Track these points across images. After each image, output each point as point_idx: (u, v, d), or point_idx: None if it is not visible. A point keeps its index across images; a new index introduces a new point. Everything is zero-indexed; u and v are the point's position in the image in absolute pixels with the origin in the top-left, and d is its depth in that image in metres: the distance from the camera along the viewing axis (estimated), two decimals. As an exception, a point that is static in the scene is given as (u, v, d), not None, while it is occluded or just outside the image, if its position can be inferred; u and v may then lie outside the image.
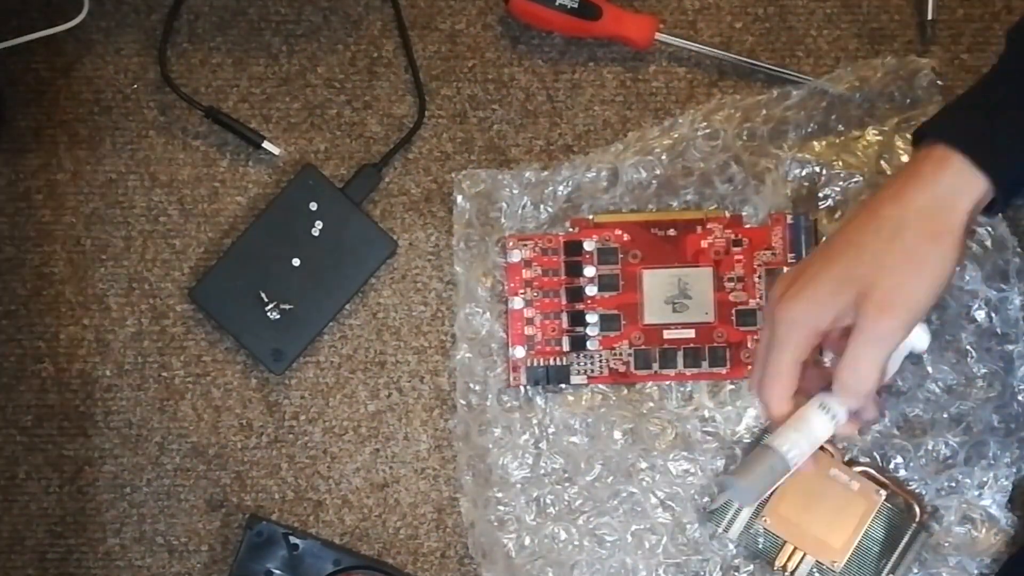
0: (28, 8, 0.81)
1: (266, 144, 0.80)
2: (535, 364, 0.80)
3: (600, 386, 0.80)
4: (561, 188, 0.81)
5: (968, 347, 0.79)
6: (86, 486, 0.80)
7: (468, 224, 0.80)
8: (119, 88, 0.82)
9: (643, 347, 0.80)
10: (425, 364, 0.81)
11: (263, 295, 0.79)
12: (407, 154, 0.82)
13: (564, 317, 0.80)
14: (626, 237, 0.80)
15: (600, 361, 0.80)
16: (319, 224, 0.80)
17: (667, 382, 0.80)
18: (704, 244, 0.80)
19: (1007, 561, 0.77)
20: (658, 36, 0.81)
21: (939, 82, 0.80)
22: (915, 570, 0.78)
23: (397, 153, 0.81)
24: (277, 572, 0.78)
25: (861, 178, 0.80)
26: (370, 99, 0.82)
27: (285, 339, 0.79)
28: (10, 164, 0.81)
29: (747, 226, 0.80)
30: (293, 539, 0.78)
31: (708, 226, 0.80)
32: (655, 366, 0.80)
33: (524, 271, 0.80)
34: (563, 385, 0.80)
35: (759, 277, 0.80)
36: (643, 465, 0.79)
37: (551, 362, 0.80)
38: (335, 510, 0.80)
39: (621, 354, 0.80)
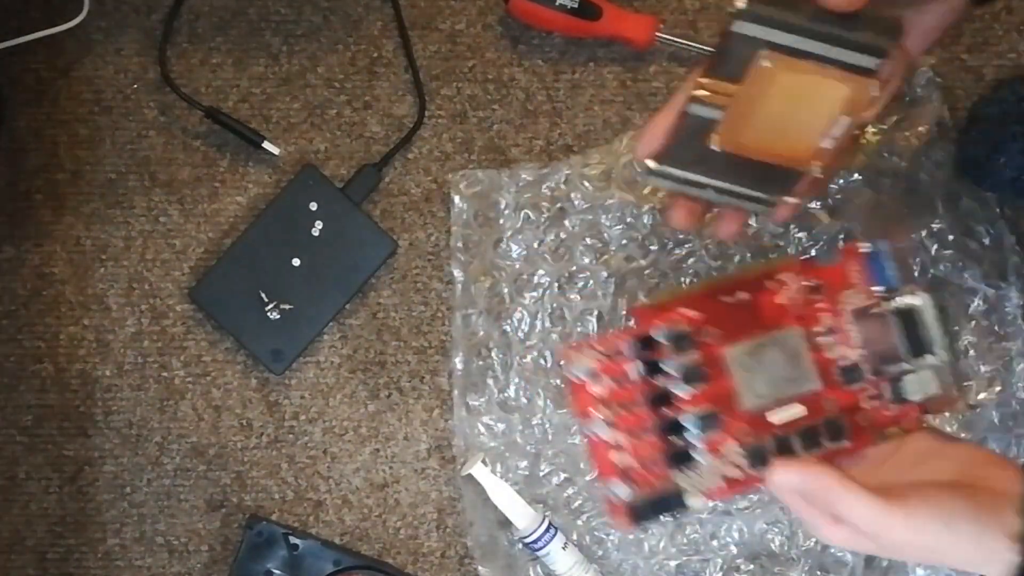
0: (28, 8, 0.81)
1: (266, 144, 0.80)
2: (641, 500, 0.66)
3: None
4: (559, 187, 0.80)
5: (967, 346, 0.79)
6: (86, 486, 0.80)
7: (466, 225, 0.80)
8: (119, 88, 0.82)
9: (752, 442, 0.67)
10: (425, 364, 0.81)
11: (263, 295, 0.79)
12: (407, 154, 0.82)
13: (655, 429, 0.66)
14: (693, 314, 0.67)
15: (710, 471, 0.66)
16: (319, 224, 0.80)
17: None
18: (781, 300, 0.68)
19: None
20: (658, 36, 0.81)
21: (939, 81, 0.80)
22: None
23: (397, 153, 0.81)
24: (277, 572, 0.78)
25: (860, 178, 0.80)
26: (370, 99, 0.82)
27: (285, 339, 0.80)
28: (10, 164, 0.81)
29: (820, 267, 0.68)
30: (293, 539, 0.78)
31: (778, 277, 0.68)
32: (772, 460, 0.65)
33: (592, 386, 0.67)
34: (678, 513, 0.68)
35: (850, 323, 0.67)
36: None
37: (657, 489, 0.66)
38: (335, 510, 0.80)
39: (731, 456, 0.66)
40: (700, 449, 0.66)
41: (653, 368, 0.67)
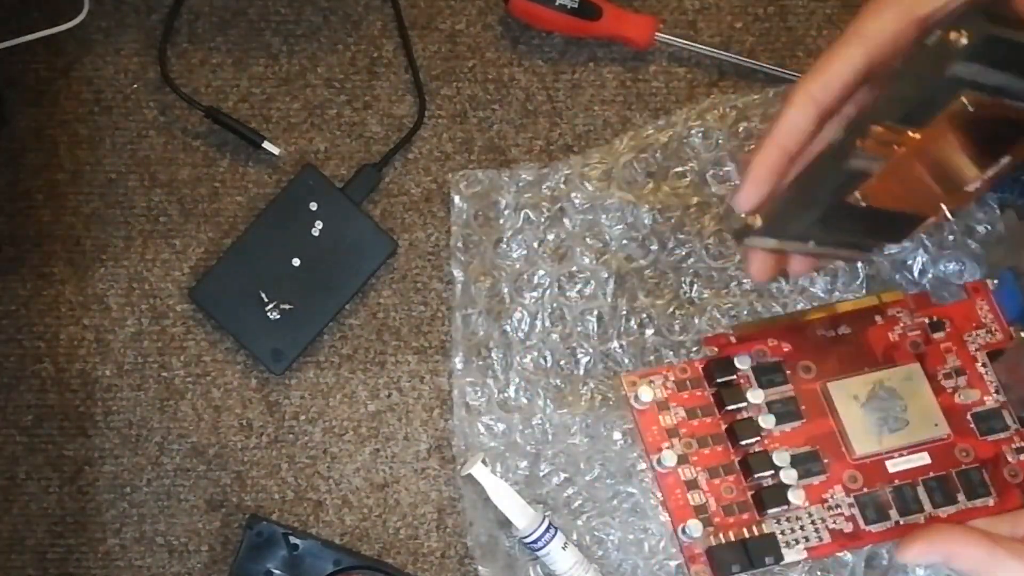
0: (28, 8, 0.81)
1: (266, 144, 0.80)
2: (720, 542, 0.59)
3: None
4: (559, 187, 0.81)
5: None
6: (86, 486, 0.80)
7: (466, 225, 0.80)
8: (119, 88, 0.82)
9: (865, 491, 0.59)
10: (425, 364, 0.81)
11: (263, 295, 0.79)
12: (407, 154, 0.82)
13: (738, 465, 0.60)
14: (786, 347, 0.61)
15: (814, 523, 0.59)
16: (319, 224, 0.80)
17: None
18: (893, 337, 0.62)
19: None
20: (658, 36, 0.81)
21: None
22: None
23: (397, 153, 0.81)
24: (277, 572, 0.78)
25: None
26: (370, 99, 0.82)
27: (285, 339, 0.79)
28: (10, 164, 0.81)
29: (938, 304, 0.63)
30: (293, 539, 0.78)
31: (890, 313, 0.62)
32: (893, 514, 0.59)
33: (661, 416, 0.61)
34: (775, 567, 0.60)
35: (983, 365, 0.62)
36: (642, 466, 0.79)
37: (744, 533, 0.59)
38: (335, 510, 0.80)
39: (840, 506, 0.59)
40: (797, 491, 0.58)
41: (737, 397, 0.59)
